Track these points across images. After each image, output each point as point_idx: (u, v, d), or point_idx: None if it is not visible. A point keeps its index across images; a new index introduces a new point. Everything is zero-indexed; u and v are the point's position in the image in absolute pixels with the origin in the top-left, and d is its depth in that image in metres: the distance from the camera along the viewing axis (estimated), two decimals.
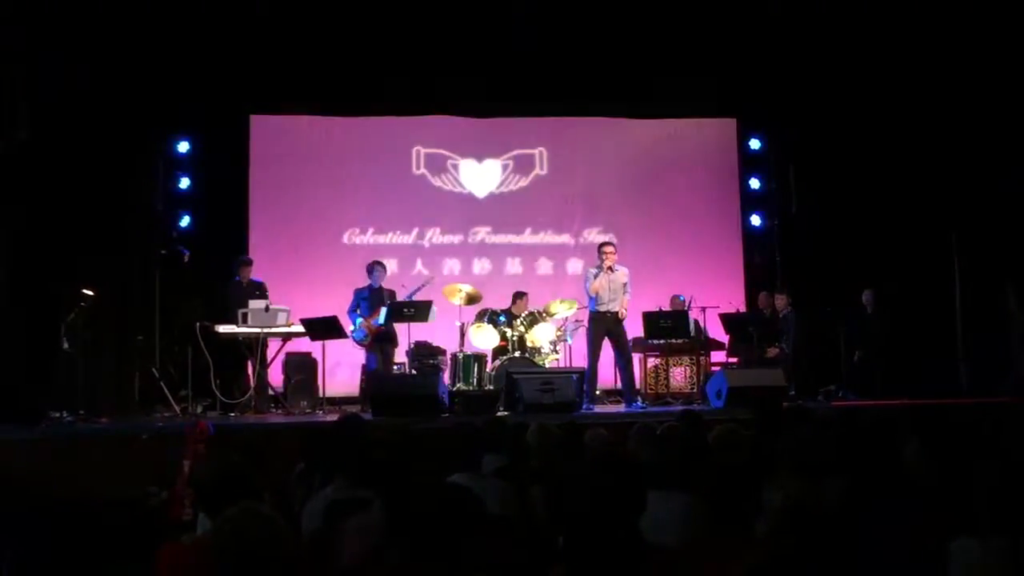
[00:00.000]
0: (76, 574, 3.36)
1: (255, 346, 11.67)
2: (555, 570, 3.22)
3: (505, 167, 14.58)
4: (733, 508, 3.89)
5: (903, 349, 12.78)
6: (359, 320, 11.82)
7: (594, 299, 11.54)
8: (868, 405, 10.98)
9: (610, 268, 11.50)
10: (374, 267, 12.17)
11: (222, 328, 11.54)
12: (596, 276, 11.53)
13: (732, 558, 3.48)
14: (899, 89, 13.32)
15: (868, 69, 13.42)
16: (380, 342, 11.96)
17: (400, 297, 12.00)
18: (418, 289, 12.05)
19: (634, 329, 12.47)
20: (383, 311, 11.81)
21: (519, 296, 12.76)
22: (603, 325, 11.57)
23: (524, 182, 14.62)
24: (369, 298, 11.99)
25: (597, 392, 12.06)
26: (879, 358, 12.73)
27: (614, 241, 12.19)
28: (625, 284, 11.56)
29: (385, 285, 12.25)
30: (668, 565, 3.29)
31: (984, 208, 12.98)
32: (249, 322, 11.49)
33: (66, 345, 10.51)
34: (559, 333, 12.59)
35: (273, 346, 12.01)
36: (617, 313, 11.51)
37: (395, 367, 12.34)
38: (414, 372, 12.06)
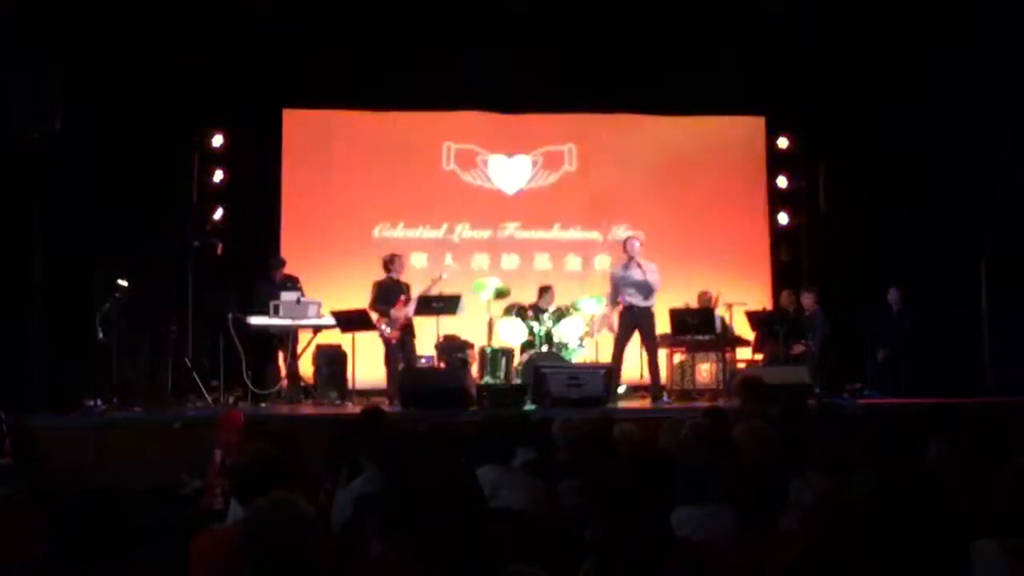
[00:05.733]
0: (110, 561, 3.42)
1: (286, 338, 11.79)
2: (585, 565, 3.27)
3: (535, 163, 14.60)
4: (761, 505, 3.93)
5: (929, 347, 12.75)
6: (391, 312, 11.87)
7: (621, 293, 11.64)
8: (893, 403, 10.98)
9: (637, 262, 11.61)
10: (393, 259, 12.27)
11: (254, 320, 11.63)
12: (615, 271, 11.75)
13: (764, 554, 3.53)
14: (929, 85, 13.27)
15: (897, 65, 13.37)
16: (403, 334, 12.06)
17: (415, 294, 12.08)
18: (431, 286, 12.12)
19: (661, 325, 12.52)
20: (412, 303, 11.90)
21: (545, 290, 12.81)
22: (628, 319, 11.67)
23: (553, 178, 14.66)
24: (391, 289, 12.08)
25: (621, 389, 12.11)
26: (905, 356, 12.70)
27: (638, 235, 12.30)
28: (644, 281, 11.62)
29: (415, 280, 12.39)
30: (699, 560, 3.34)
31: (1014, 206, 12.91)
32: (280, 314, 11.60)
33: (101, 335, 10.63)
34: (586, 328, 12.64)
35: (304, 338, 12.12)
36: (643, 307, 11.59)
37: (424, 359, 12.43)
38: (442, 366, 12.14)
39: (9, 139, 10.08)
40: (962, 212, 13.29)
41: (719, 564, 3.48)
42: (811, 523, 3.49)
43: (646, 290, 11.62)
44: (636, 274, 11.59)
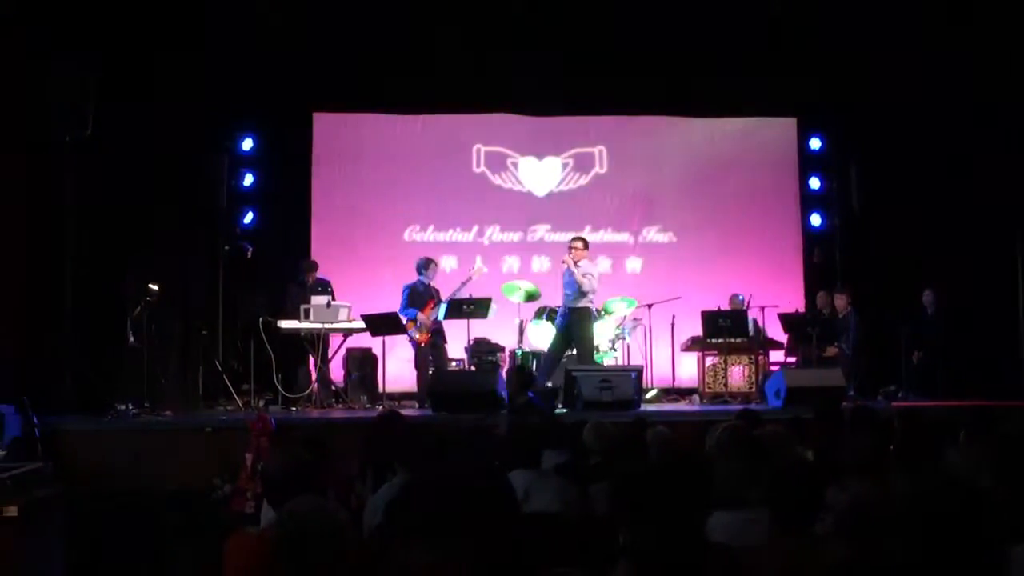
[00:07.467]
0: (142, 563, 3.43)
1: (316, 341, 11.79)
2: (618, 568, 3.23)
3: (565, 165, 14.58)
4: (797, 509, 3.88)
5: (964, 350, 12.63)
6: (418, 315, 11.86)
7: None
8: (928, 406, 10.89)
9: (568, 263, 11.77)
10: (428, 263, 12.27)
11: (284, 323, 11.66)
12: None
13: (800, 559, 3.49)
14: (963, 85, 13.14)
15: (931, 66, 13.25)
16: (433, 337, 12.06)
17: (444, 297, 12.08)
18: (460, 288, 12.11)
19: (693, 328, 12.52)
20: (442, 307, 11.89)
21: None
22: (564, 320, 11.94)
23: (584, 180, 14.63)
24: (423, 293, 12.09)
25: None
26: (939, 359, 12.60)
27: (580, 236, 12.42)
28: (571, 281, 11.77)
29: (445, 282, 12.39)
30: (735, 566, 3.30)
31: None
32: (311, 318, 11.60)
33: (132, 339, 10.66)
34: (617, 331, 12.61)
35: (334, 342, 12.13)
36: (571, 308, 11.75)
37: (454, 363, 12.44)
38: (473, 369, 12.13)
39: (41, 143, 10.15)
40: (996, 212, 13.15)
41: (755, 569, 3.44)
42: (846, 527, 3.46)
43: (573, 289, 11.70)
44: (567, 275, 11.72)
